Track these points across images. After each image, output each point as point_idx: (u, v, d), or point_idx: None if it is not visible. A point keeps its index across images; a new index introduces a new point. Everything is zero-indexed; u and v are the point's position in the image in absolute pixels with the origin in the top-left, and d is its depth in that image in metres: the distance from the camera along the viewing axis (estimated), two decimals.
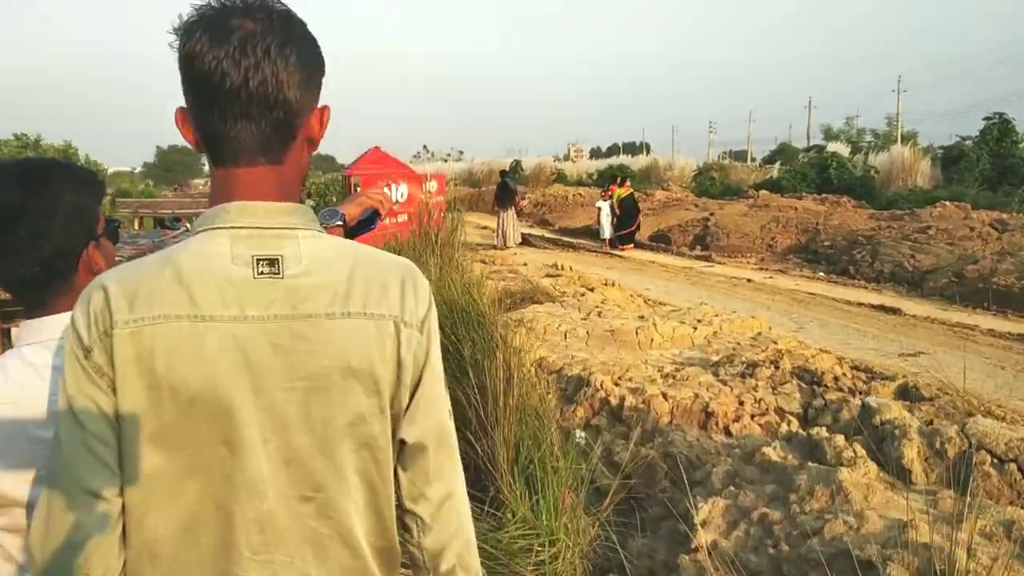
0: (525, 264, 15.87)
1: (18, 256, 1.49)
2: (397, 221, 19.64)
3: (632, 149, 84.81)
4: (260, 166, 1.22)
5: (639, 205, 21.98)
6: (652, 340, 8.17)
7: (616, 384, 6.35)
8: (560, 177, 48.17)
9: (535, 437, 4.13)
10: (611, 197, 20.87)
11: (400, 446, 1.28)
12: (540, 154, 63.50)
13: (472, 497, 3.97)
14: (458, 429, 1.43)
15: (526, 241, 22.55)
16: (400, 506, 1.31)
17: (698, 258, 18.82)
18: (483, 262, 15.82)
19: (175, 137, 1.37)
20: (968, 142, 33.01)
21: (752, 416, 5.81)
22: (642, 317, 9.54)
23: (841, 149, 39.75)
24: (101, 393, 1.15)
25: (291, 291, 1.18)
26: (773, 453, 4.18)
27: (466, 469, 1.45)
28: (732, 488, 3.98)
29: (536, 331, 8.14)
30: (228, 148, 1.21)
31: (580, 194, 34.82)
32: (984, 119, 31.44)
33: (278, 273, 1.18)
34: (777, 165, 43.99)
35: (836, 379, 6.57)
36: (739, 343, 8.10)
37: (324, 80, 1.28)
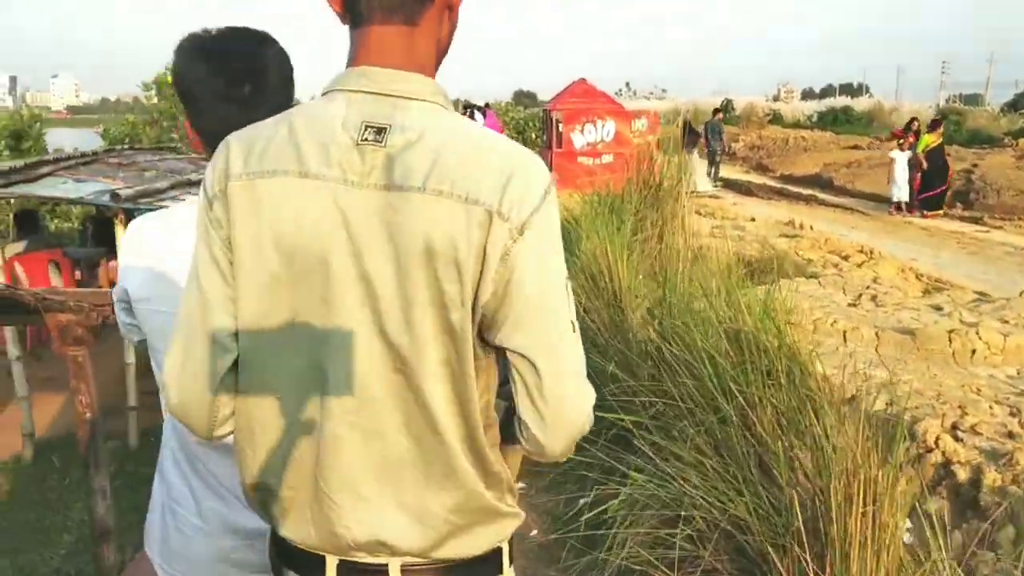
0: (753, 219, 13.36)
1: (254, 110, 1.48)
2: (601, 162, 17.66)
3: (849, 91, 78.48)
4: (393, 24, 1.21)
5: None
6: (974, 351, 5.71)
7: (957, 439, 4.04)
8: (776, 118, 44.26)
9: None
10: (911, 147, 16.54)
11: (499, 351, 1.21)
12: (746, 94, 58.88)
13: None
14: None
15: (747, 190, 19.81)
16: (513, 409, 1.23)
17: (964, 219, 15.54)
18: (698, 213, 13.48)
19: None
20: None
21: None
22: (939, 308, 7.02)
23: None
24: (218, 244, 1.20)
25: (391, 161, 1.15)
26: None
27: None
28: None
29: (802, 326, 5.88)
30: (366, 5, 1.21)
31: (803, 137, 31.27)
32: None
33: (381, 142, 1.16)
34: None
35: None
36: None
37: None
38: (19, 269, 7.77)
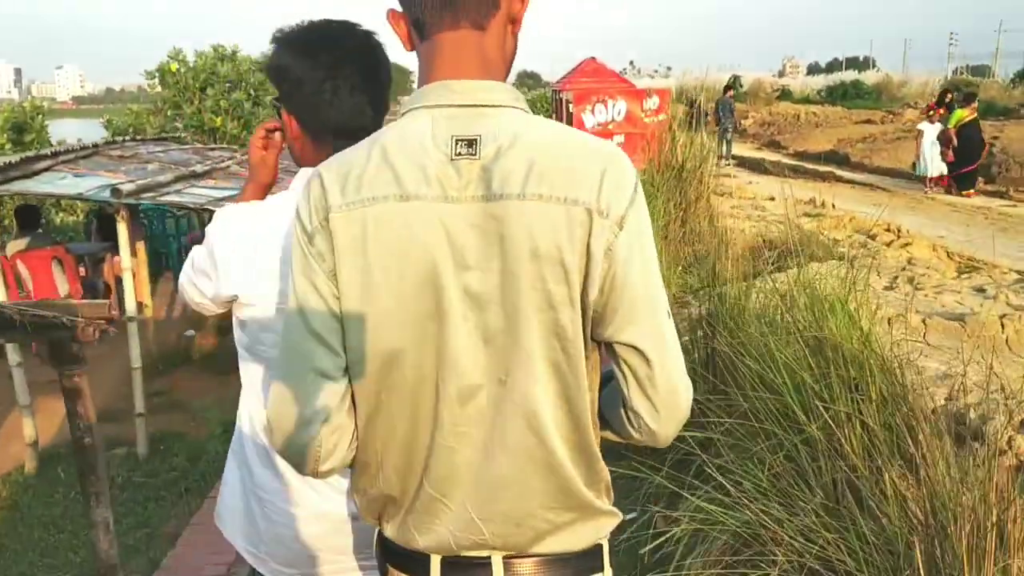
0: (772, 198, 12.95)
1: (375, 100, 1.60)
2: (613, 142, 17.23)
3: (856, 64, 77.66)
4: (462, 28, 1.23)
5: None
6: None
7: None
8: (784, 94, 43.66)
9: None
10: (941, 120, 15.59)
11: (608, 347, 1.23)
12: (750, 70, 58.13)
13: None
14: None
15: (761, 168, 19.38)
16: (624, 403, 1.24)
17: (988, 193, 15.11)
18: (715, 193, 13.08)
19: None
20: None
21: None
22: (982, 290, 6.70)
23: None
24: (322, 278, 1.21)
25: (487, 171, 1.16)
26: None
27: None
28: None
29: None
30: (434, 11, 1.22)
31: (814, 113, 30.77)
32: None
33: (475, 154, 1.17)
34: None
35: None
36: None
37: None
38: (21, 267, 7.53)
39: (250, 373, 1.69)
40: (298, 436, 1.23)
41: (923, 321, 5.54)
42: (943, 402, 4.14)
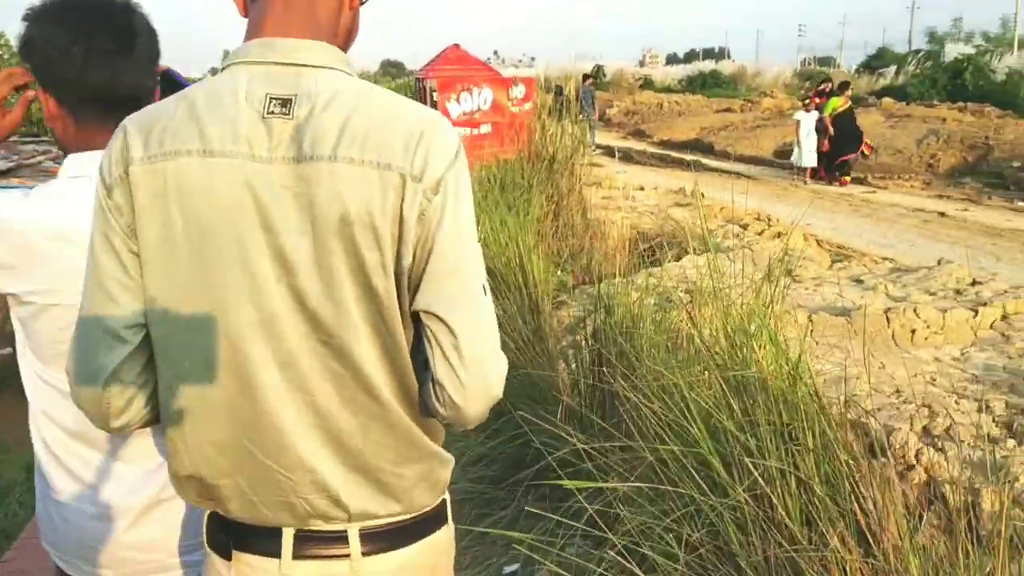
0: (641, 188, 12.79)
1: (141, 62, 1.51)
2: (479, 132, 16.75)
3: (712, 55, 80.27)
4: None
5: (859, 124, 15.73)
6: (914, 332, 5.20)
7: (939, 447, 3.44)
8: (647, 83, 44.38)
9: None
10: (818, 108, 15.42)
11: (414, 317, 1.18)
12: (610, 60, 58.93)
13: None
14: None
15: (627, 157, 19.31)
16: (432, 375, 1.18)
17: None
18: (585, 184, 12.80)
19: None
20: None
21: None
22: (860, 281, 6.55)
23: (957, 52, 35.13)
24: (119, 234, 1.16)
25: (298, 132, 1.11)
26: None
27: None
28: None
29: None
30: None
31: (676, 102, 31.21)
32: None
33: (288, 114, 1.12)
34: (893, 70, 39.50)
35: None
36: None
37: None
38: None
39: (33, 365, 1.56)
40: (87, 392, 1.19)
41: (809, 318, 5.28)
42: (841, 409, 3.84)
